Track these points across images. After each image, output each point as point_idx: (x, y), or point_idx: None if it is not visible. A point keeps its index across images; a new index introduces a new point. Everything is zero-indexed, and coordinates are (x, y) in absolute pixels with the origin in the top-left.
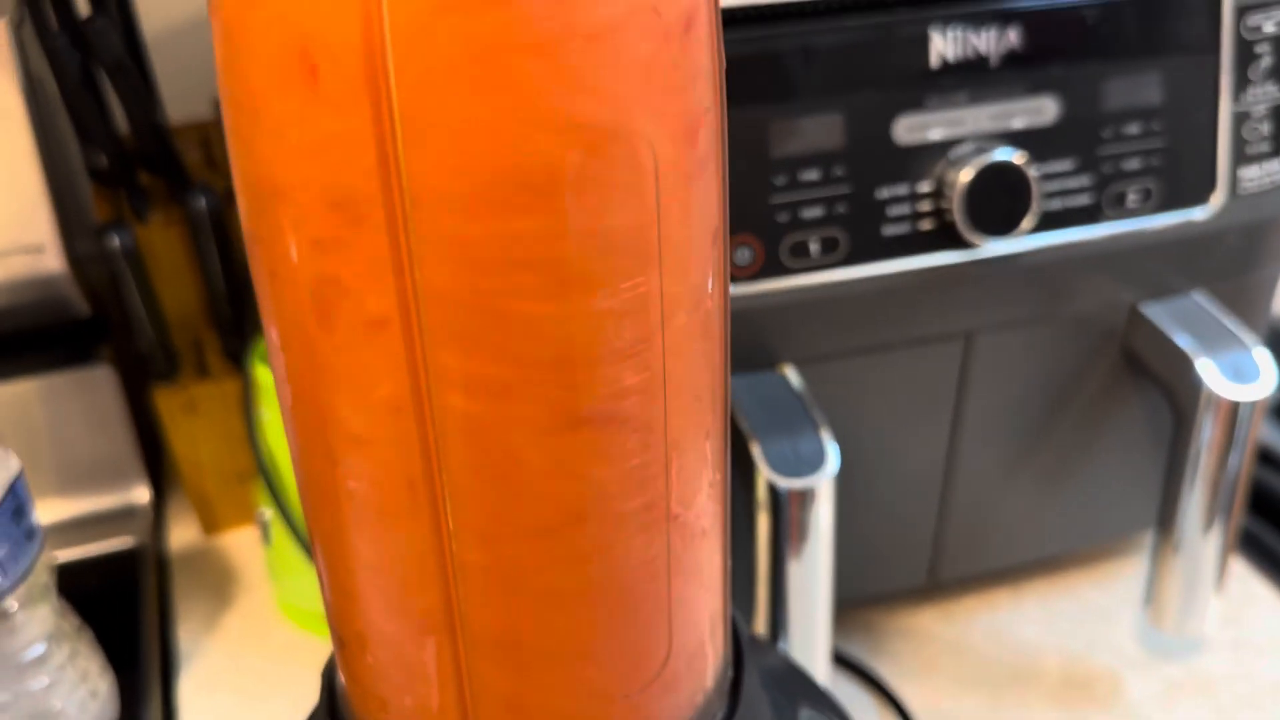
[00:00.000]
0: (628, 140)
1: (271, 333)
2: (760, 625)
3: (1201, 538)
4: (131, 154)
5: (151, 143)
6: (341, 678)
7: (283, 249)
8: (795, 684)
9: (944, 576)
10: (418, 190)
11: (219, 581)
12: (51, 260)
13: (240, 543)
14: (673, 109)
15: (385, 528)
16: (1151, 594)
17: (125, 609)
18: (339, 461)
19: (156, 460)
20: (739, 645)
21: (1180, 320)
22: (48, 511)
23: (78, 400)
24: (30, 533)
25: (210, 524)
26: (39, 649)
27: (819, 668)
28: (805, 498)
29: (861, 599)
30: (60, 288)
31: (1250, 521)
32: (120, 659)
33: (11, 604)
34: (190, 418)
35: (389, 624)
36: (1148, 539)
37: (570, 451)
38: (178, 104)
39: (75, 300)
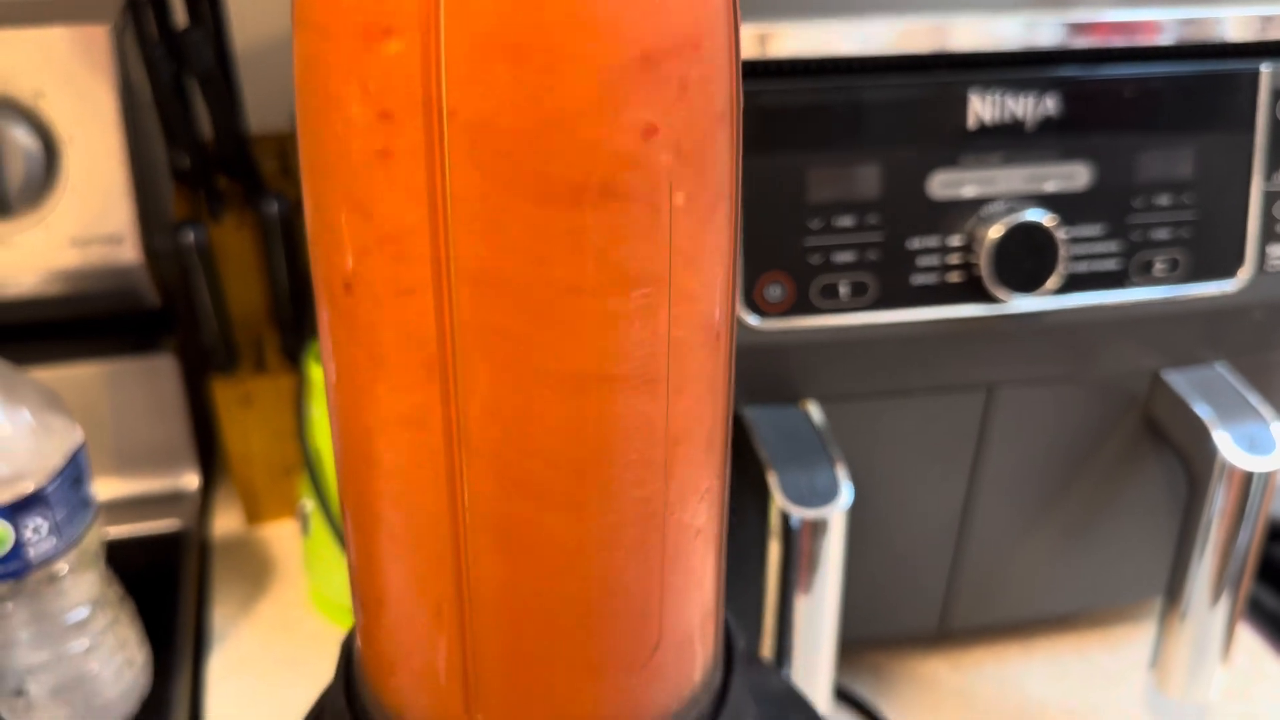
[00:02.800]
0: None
1: (321, 305)
2: (766, 653)
3: (1209, 605)
4: (212, 158)
5: (232, 149)
6: (358, 643)
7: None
8: (791, 706)
9: (955, 625)
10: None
11: (257, 570)
12: (128, 251)
13: (281, 535)
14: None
15: (407, 494)
16: (1158, 657)
17: (165, 588)
18: (372, 432)
19: (208, 450)
20: (730, 653)
21: (1201, 390)
22: (102, 489)
23: (140, 387)
24: (86, 501)
25: (254, 514)
26: (83, 612)
27: (820, 698)
28: (817, 528)
29: (871, 640)
30: (134, 278)
31: (1266, 595)
32: (156, 635)
33: (62, 567)
34: (245, 410)
35: (402, 587)
36: (1157, 607)
37: (582, 411)
38: (259, 115)
39: (147, 291)
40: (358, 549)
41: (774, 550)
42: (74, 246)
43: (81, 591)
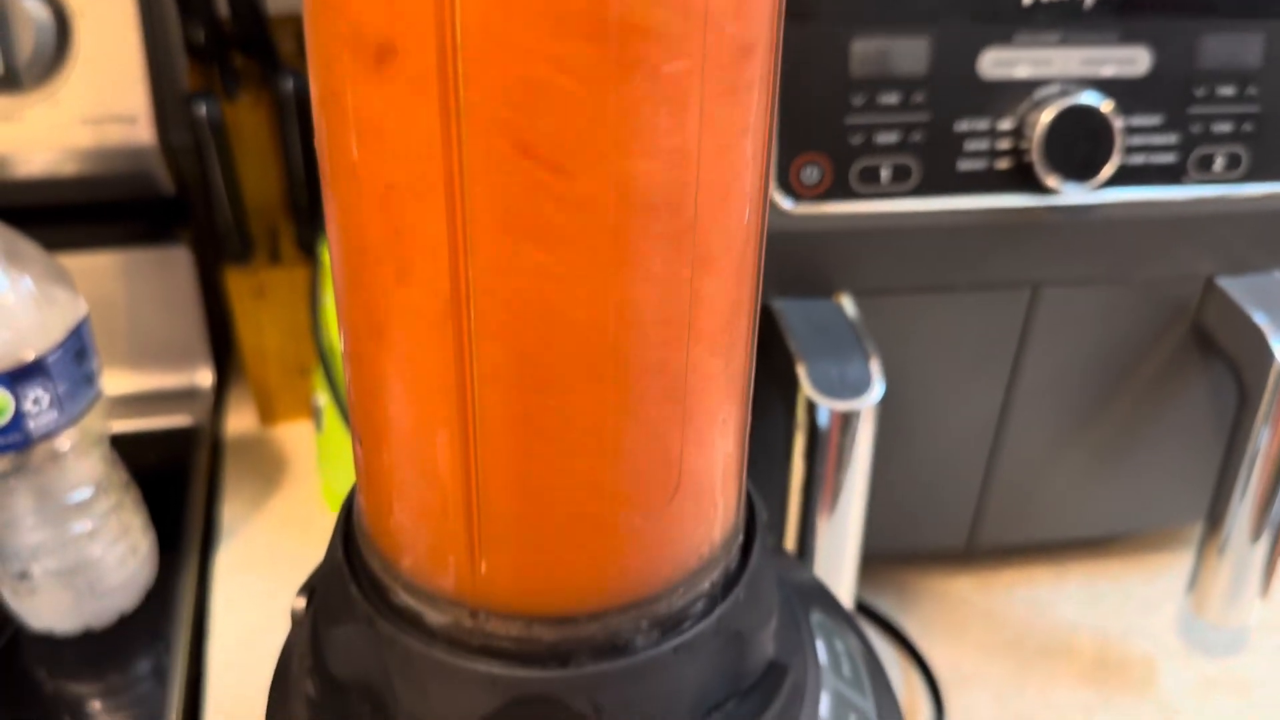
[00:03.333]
0: None
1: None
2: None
3: (1255, 525)
4: (228, 34)
5: (249, 25)
6: (359, 497)
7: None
8: (815, 595)
9: (984, 542)
10: None
11: (269, 469)
12: (143, 132)
13: (294, 435)
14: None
15: (410, 312)
16: (1197, 580)
17: (175, 484)
18: (370, 251)
19: (224, 349)
20: (752, 526)
21: (1258, 297)
22: (115, 383)
23: (155, 278)
24: (89, 377)
25: (268, 414)
26: (85, 493)
27: (842, 597)
28: (847, 421)
29: (897, 555)
30: (148, 161)
31: None
32: (165, 528)
33: (64, 443)
34: (258, 303)
35: (403, 414)
36: (1198, 534)
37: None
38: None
39: (161, 176)
40: (357, 383)
41: (799, 444)
42: (86, 125)
43: (84, 472)
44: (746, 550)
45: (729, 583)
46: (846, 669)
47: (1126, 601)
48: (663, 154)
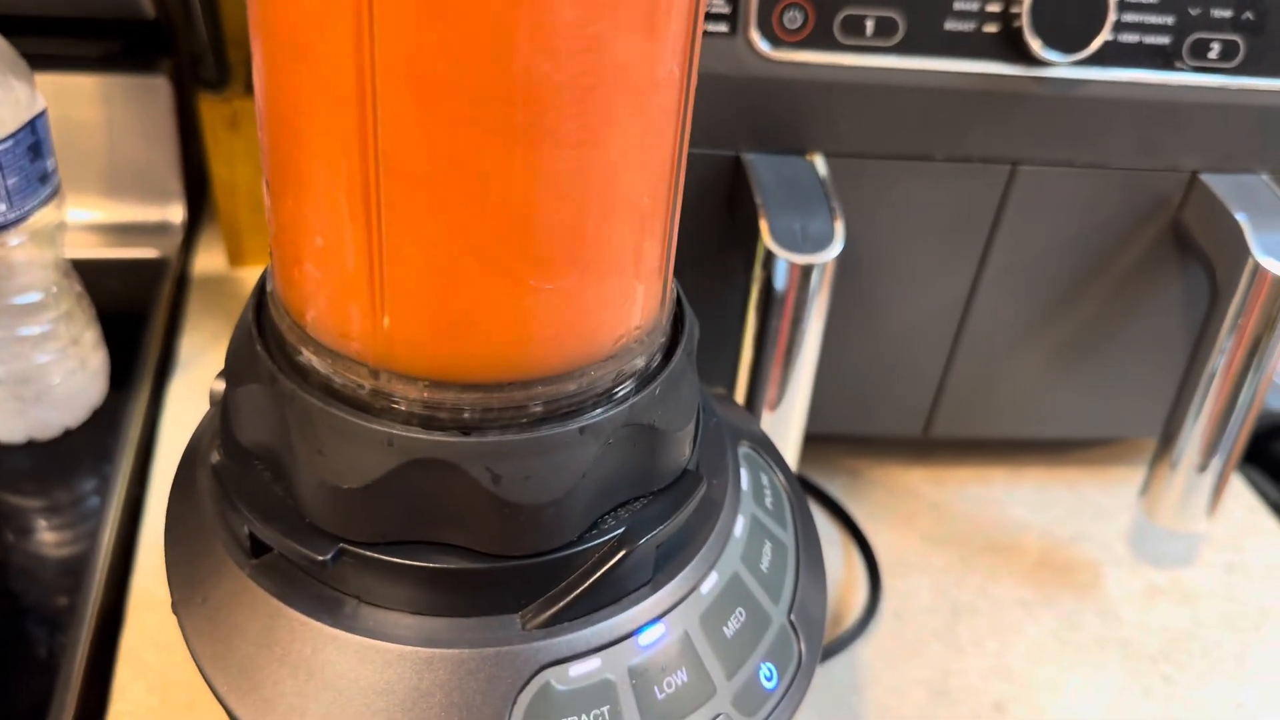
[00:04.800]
0: None
1: None
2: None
3: (1216, 427)
4: None
5: None
6: (271, 255)
7: None
8: (749, 434)
9: (940, 432)
10: None
11: (232, 308)
12: None
13: None
14: None
15: (315, 48)
16: (1149, 485)
17: (138, 315)
18: None
19: (198, 191)
20: (679, 331)
21: (1241, 196)
22: (85, 209)
23: (132, 106)
24: (44, 176)
25: (236, 255)
26: (33, 296)
27: (787, 460)
28: (804, 276)
29: (852, 440)
30: None
31: (1260, 474)
32: (122, 356)
33: (13, 238)
34: (231, 134)
35: (308, 155)
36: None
37: None
38: None
39: None
40: (265, 109)
41: (755, 297)
42: None
43: (34, 275)
44: (671, 354)
45: (647, 378)
46: (769, 500)
47: (1079, 507)
48: None
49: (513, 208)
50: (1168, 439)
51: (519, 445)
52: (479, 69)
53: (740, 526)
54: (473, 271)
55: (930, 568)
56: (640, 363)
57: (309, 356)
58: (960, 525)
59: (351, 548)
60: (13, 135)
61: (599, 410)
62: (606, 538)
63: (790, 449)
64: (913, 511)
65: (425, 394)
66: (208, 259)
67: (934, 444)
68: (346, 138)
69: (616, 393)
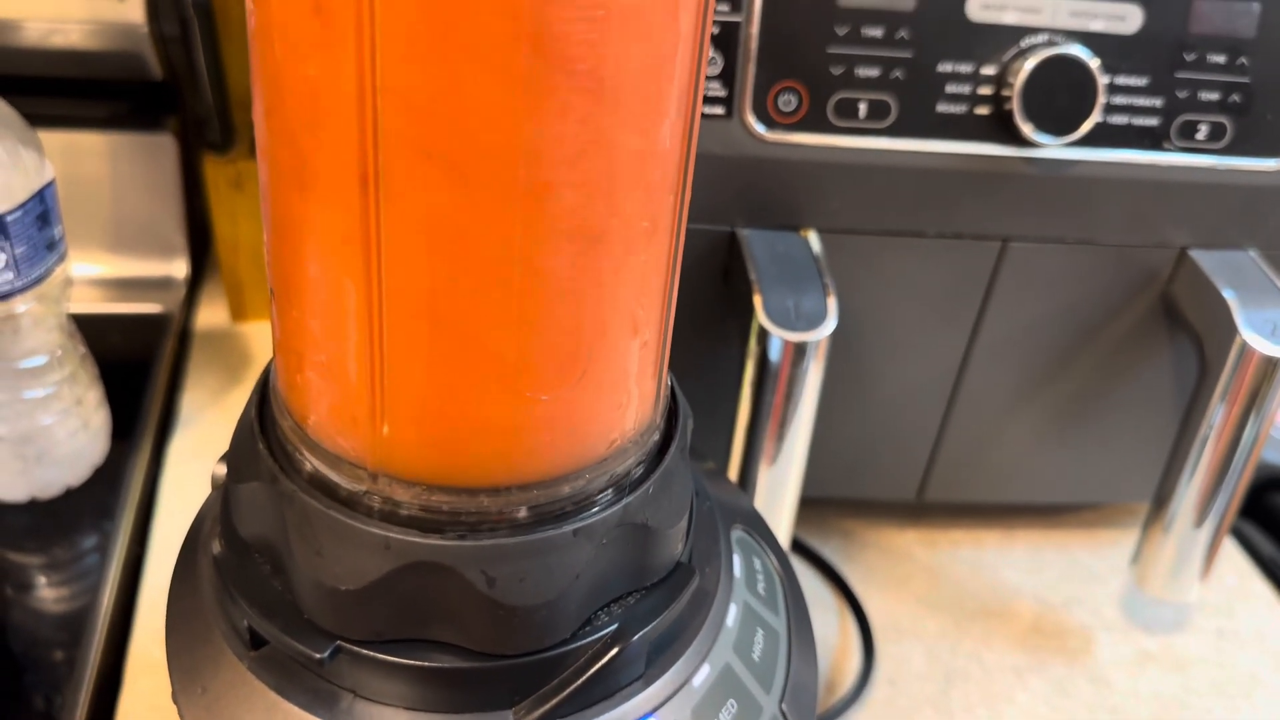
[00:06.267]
0: None
1: None
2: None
3: (1203, 501)
4: None
5: None
6: (275, 356)
7: None
8: (742, 515)
9: (933, 497)
10: None
11: (234, 363)
12: (133, 10)
13: (262, 333)
14: None
15: (322, 170)
16: (1140, 553)
17: (140, 370)
18: (283, 74)
19: (201, 247)
20: (673, 425)
21: (1229, 273)
22: (89, 264)
23: (138, 163)
24: (51, 244)
25: (238, 311)
26: (39, 360)
27: (780, 533)
28: (798, 353)
29: (846, 503)
30: (137, 41)
31: (1255, 528)
32: (123, 412)
33: (19, 305)
34: (235, 194)
35: (313, 267)
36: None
37: (512, 86)
38: None
39: (150, 58)
40: (271, 222)
41: (749, 373)
42: None
43: (40, 339)
44: (665, 449)
45: (640, 477)
46: (762, 586)
47: (1071, 571)
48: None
49: (510, 323)
50: (1159, 505)
51: (513, 549)
52: (481, 198)
53: (733, 615)
54: (471, 383)
55: (924, 632)
56: (633, 462)
57: (309, 458)
58: (954, 589)
59: (348, 645)
60: (22, 205)
61: (593, 511)
62: (599, 635)
63: (783, 523)
64: (906, 574)
65: (422, 497)
66: (209, 313)
67: (927, 506)
68: (351, 263)
69: (610, 493)
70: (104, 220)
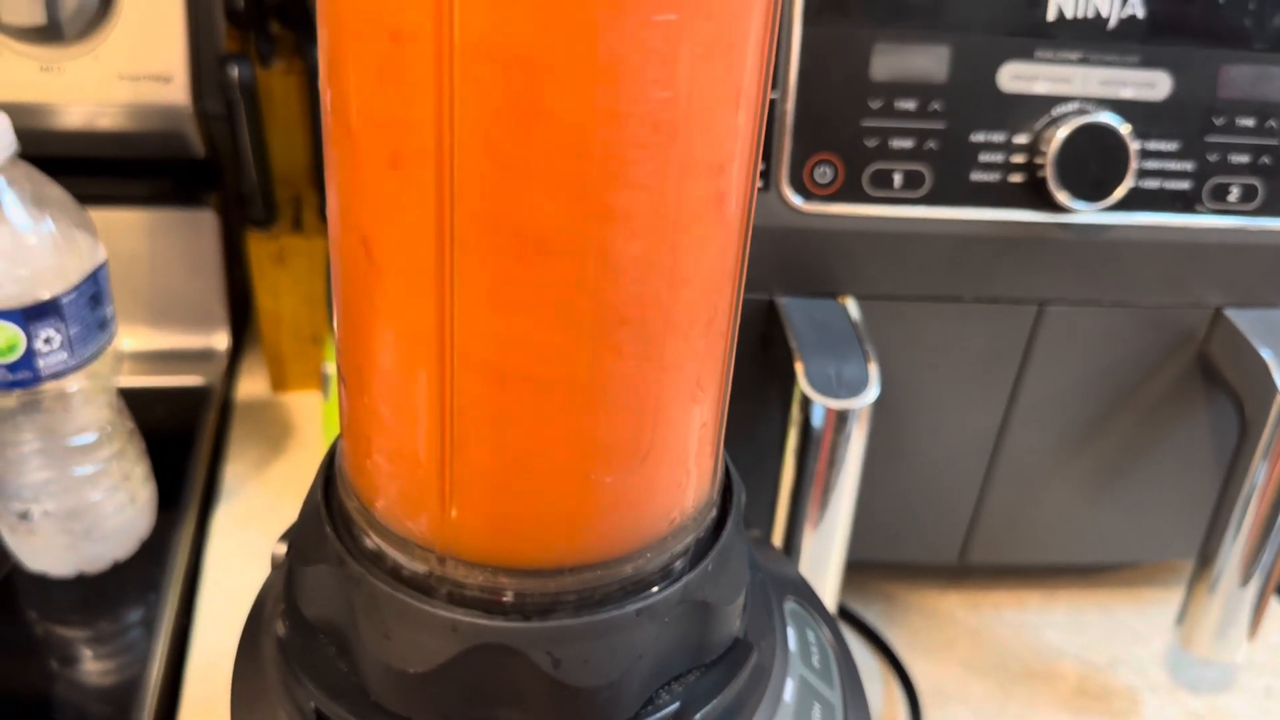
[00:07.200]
0: None
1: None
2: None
3: (1248, 560)
4: (268, 2)
5: None
6: (342, 440)
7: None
8: (793, 586)
9: (976, 560)
10: None
11: (275, 434)
12: (178, 92)
13: (303, 403)
14: None
15: (396, 261)
16: (1185, 613)
17: (183, 441)
18: (360, 182)
19: (241, 318)
20: (728, 500)
21: (1265, 331)
22: (133, 339)
23: (180, 239)
24: (103, 323)
25: (279, 381)
26: (89, 437)
27: (825, 599)
28: (840, 420)
29: (887, 567)
30: (181, 121)
31: None
32: (167, 484)
33: (72, 384)
34: (277, 268)
35: (385, 357)
36: (1195, 561)
37: (582, 187)
38: None
39: (193, 138)
40: (344, 321)
41: (792, 441)
42: (123, 81)
43: (90, 416)
44: (721, 525)
45: (699, 554)
46: (816, 659)
47: (1115, 632)
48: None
49: (577, 409)
50: (1204, 564)
51: (578, 629)
52: (554, 282)
53: (790, 691)
54: (539, 467)
55: (969, 697)
56: (692, 539)
57: (376, 541)
58: (997, 652)
59: None
60: (76, 287)
61: (654, 590)
62: (661, 714)
63: (829, 589)
64: (950, 638)
65: (489, 580)
66: (250, 384)
67: (969, 568)
68: (426, 353)
69: (671, 571)
70: (146, 295)
